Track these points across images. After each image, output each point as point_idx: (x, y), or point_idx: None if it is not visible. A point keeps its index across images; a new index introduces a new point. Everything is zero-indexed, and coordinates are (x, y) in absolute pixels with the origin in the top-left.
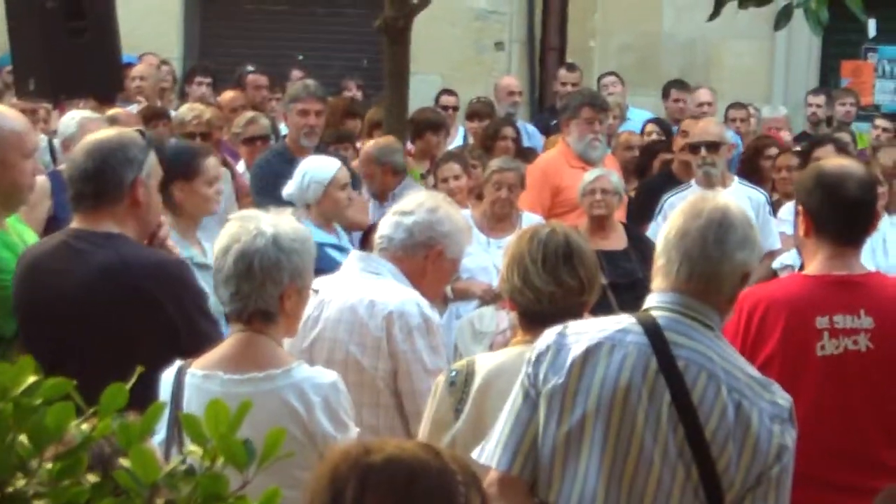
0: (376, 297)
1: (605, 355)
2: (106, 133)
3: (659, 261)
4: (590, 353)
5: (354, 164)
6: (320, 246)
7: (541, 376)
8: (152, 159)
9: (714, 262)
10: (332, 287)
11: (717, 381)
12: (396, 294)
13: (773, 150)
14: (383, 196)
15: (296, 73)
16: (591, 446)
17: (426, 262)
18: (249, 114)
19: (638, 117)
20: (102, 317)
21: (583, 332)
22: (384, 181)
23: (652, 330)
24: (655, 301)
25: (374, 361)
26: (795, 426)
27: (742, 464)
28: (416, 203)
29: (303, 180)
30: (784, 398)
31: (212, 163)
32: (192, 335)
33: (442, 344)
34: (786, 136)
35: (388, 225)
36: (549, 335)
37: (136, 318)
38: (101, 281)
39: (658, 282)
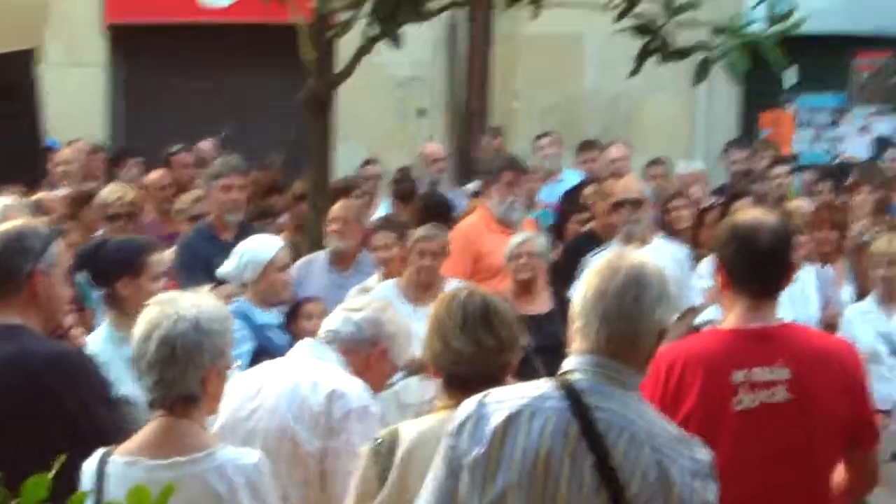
0: (321, 377)
1: (525, 423)
2: (8, 224)
3: (576, 322)
4: (510, 422)
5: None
6: (261, 327)
7: (462, 447)
8: (55, 249)
9: (632, 322)
10: (279, 366)
11: (638, 442)
12: (341, 377)
13: (680, 205)
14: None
15: (206, 145)
16: None
17: (369, 357)
18: (196, 192)
19: (573, 178)
20: (4, 408)
21: (503, 400)
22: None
23: (571, 394)
24: (574, 364)
25: (310, 437)
26: (717, 481)
27: None
28: (365, 302)
29: (241, 260)
30: (704, 454)
31: (157, 258)
32: (92, 426)
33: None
34: (697, 191)
35: (337, 320)
36: (470, 404)
37: (38, 409)
38: (2, 373)
39: (576, 344)
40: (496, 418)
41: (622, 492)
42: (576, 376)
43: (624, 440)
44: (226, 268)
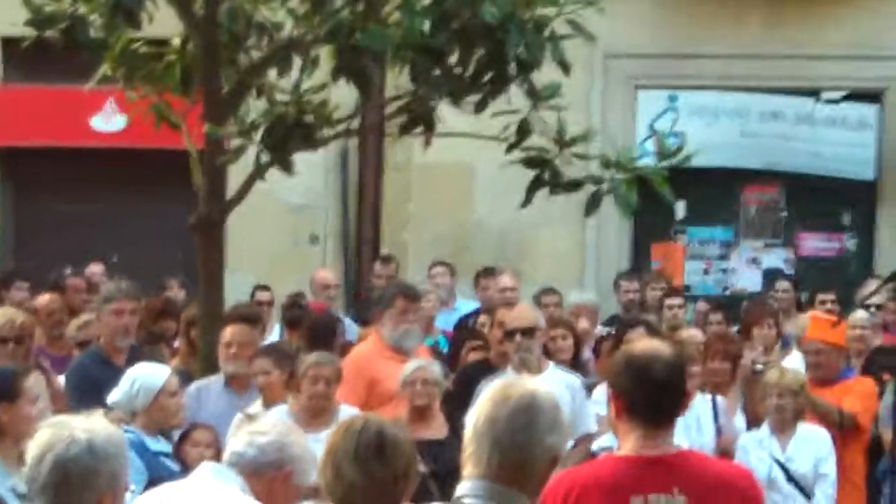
0: (221, 501)
1: None
2: None
3: (468, 448)
4: None
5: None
6: (155, 455)
7: None
8: None
9: (524, 449)
10: (178, 489)
11: None
12: (241, 501)
13: (559, 335)
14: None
15: (95, 269)
16: None
17: (274, 482)
18: (85, 317)
19: (465, 308)
20: None
21: None
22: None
23: None
24: (467, 489)
25: None
26: None
27: None
28: (270, 425)
29: (132, 388)
30: None
31: (32, 381)
32: None
33: None
34: (584, 323)
35: (240, 443)
36: None
37: None
38: None
39: (469, 469)
40: None
41: None
42: (469, 501)
43: None
44: (115, 396)
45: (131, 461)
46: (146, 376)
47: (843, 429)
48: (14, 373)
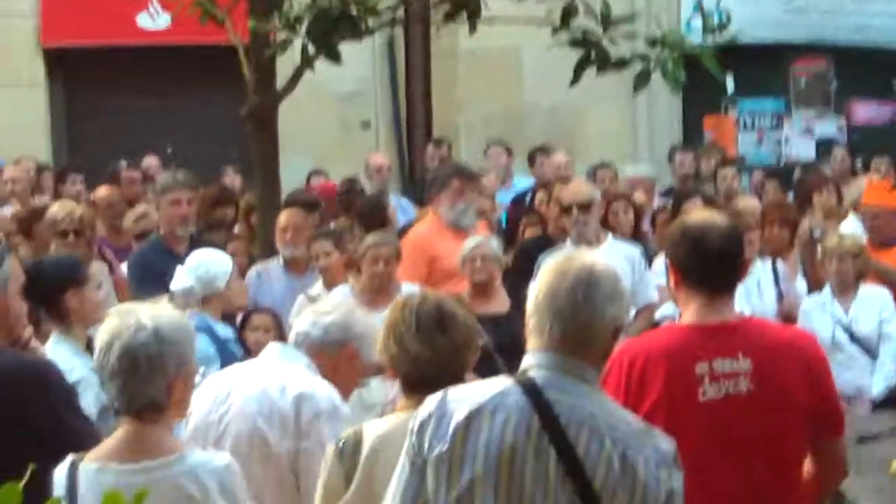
0: (289, 380)
1: (487, 419)
2: None
3: (531, 321)
4: (472, 418)
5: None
6: (224, 341)
7: (425, 445)
8: (9, 266)
9: (585, 320)
10: (248, 370)
11: (600, 434)
12: (309, 380)
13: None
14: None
15: (151, 161)
16: None
17: (339, 360)
18: (140, 209)
19: (523, 185)
20: None
21: (463, 398)
22: None
23: (531, 389)
24: (532, 361)
25: (281, 439)
26: (681, 469)
27: None
28: (333, 305)
29: (198, 274)
30: (667, 443)
31: (95, 267)
32: (61, 433)
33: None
34: (640, 196)
35: (305, 322)
36: (431, 403)
37: (3, 419)
38: None
39: (532, 342)
40: (458, 415)
41: (589, 485)
42: (535, 372)
43: (585, 433)
44: (181, 283)
45: (203, 346)
46: (212, 262)
47: None
48: (79, 259)
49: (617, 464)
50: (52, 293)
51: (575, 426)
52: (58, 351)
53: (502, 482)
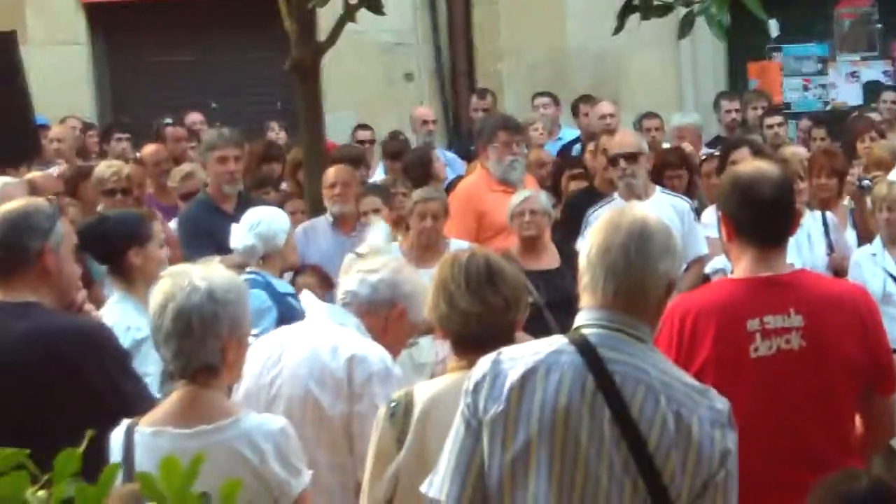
0: (340, 342)
1: (541, 378)
2: (12, 204)
3: (584, 278)
4: (527, 378)
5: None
6: (283, 296)
7: (480, 405)
8: (61, 227)
9: (638, 275)
10: (298, 331)
11: (655, 393)
12: (360, 342)
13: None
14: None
15: (195, 117)
16: (538, 469)
17: (387, 320)
18: (186, 168)
19: (570, 135)
20: (26, 384)
21: (517, 357)
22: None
23: (585, 348)
24: (585, 319)
25: (334, 401)
26: (735, 429)
27: (687, 472)
28: (381, 263)
29: (256, 232)
30: (722, 402)
31: (158, 226)
32: (116, 396)
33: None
34: (687, 146)
35: (353, 282)
36: (485, 363)
37: (58, 383)
38: (20, 350)
39: (585, 299)
40: (512, 375)
41: (644, 444)
42: (588, 330)
43: (640, 392)
44: (241, 242)
45: (258, 303)
46: (272, 219)
47: None
48: (142, 217)
49: (672, 423)
50: (116, 251)
51: (630, 385)
52: (122, 309)
53: (557, 442)
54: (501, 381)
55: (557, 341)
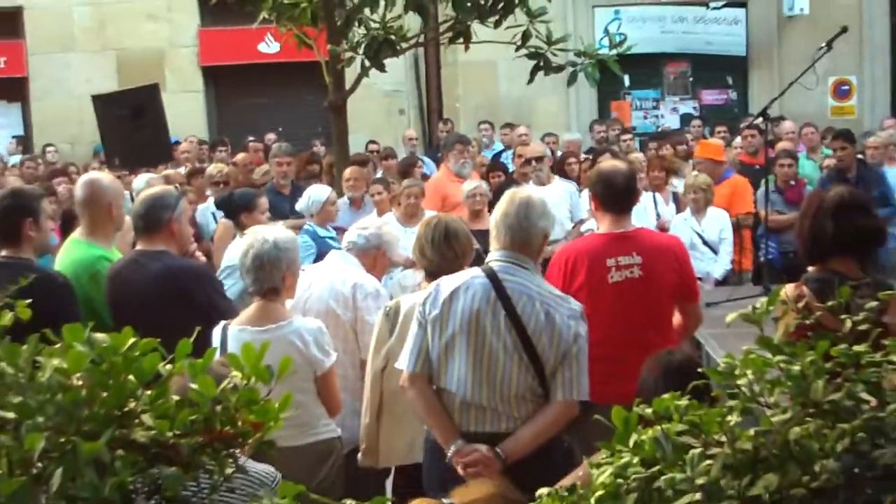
0: (348, 275)
1: (462, 293)
2: (153, 189)
3: (492, 232)
4: (453, 294)
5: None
6: (323, 238)
7: (426, 311)
8: (183, 204)
9: (525, 229)
10: (321, 269)
11: (533, 300)
12: (360, 274)
13: (573, 160)
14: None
15: (269, 136)
16: (460, 349)
17: (375, 259)
18: (265, 167)
19: (499, 147)
20: (159, 303)
21: (448, 282)
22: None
23: (490, 274)
24: (492, 257)
25: (345, 312)
26: (585, 321)
27: (553, 347)
28: (369, 222)
29: (309, 200)
30: (576, 304)
31: (262, 200)
32: (214, 311)
33: (383, 305)
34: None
35: (352, 235)
36: (431, 286)
37: (180, 303)
38: (155, 282)
39: (493, 245)
40: (444, 292)
41: (524, 330)
42: (494, 264)
43: (524, 299)
44: (300, 205)
45: (306, 244)
46: (317, 193)
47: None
48: (252, 194)
49: (543, 316)
50: (237, 212)
51: (517, 295)
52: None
53: (472, 332)
54: (438, 296)
55: (475, 271)
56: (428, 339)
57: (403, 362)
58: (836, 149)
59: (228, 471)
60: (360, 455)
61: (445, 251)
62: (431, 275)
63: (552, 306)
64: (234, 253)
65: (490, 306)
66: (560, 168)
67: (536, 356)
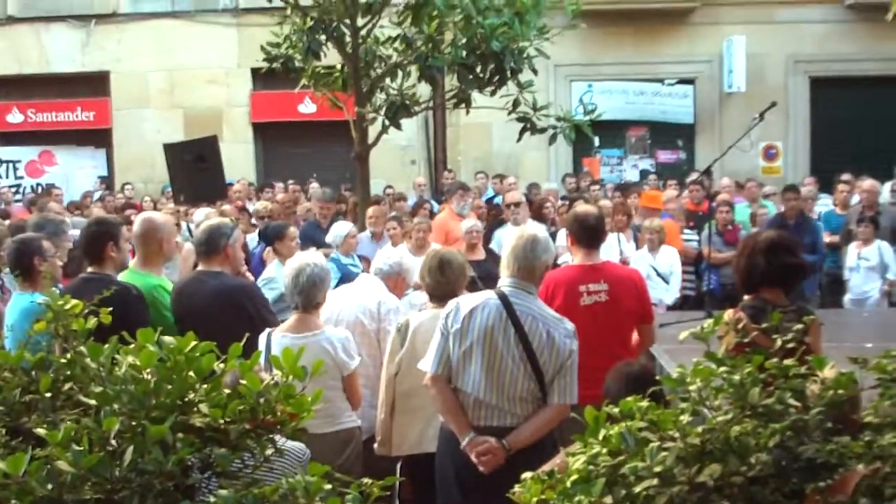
0: (374, 293)
1: (479, 311)
2: (212, 220)
3: (503, 262)
4: (472, 311)
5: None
6: (345, 265)
7: (449, 324)
8: (237, 233)
9: (530, 261)
10: (352, 288)
11: (537, 320)
12: (384, 294)
13: (549, 205)
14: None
15: (314, 184)
16: (476, 357)
17: (396, 282)
18: (307, 205)
19: (491, 194)
20: (216, 314)
21: (467, 301)
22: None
23: (502, 297)
24: (503, 283)
25: (371, 323)
26: (577, 340)
27: (552, 360)
28: (393, 254)
29: (336, 234)
30: (571, 325)
31: (293, 231)
32: (261, 321)
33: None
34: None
35: (378, 262)
36: (452, 304)
37: (233, 314)
38: (213, 296)
39: (504, 272)
40: (464, 309)
41: (530, 345)
42: (504, 289)
43: (529, 319)
44: (328, 238)
45: (332, 270)
46: (341, 228)
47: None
48: (284, 226)
49: (545, 335)
50: (272, 239)
51: (524, 316)
52: (278, 269)
53: (486, 344)
54: (460, 312)
55: (489, 293)
56: (450, 347)
57: (427, 364)
58: (788, 199)
59: (268, 452)
60: (376, 445)
61: (440, 278)
62: (431, 296)
63: (552, 326)
64: (271, 270)
65: (502, 324)
66: (538, 211)
67: (538, 367)
